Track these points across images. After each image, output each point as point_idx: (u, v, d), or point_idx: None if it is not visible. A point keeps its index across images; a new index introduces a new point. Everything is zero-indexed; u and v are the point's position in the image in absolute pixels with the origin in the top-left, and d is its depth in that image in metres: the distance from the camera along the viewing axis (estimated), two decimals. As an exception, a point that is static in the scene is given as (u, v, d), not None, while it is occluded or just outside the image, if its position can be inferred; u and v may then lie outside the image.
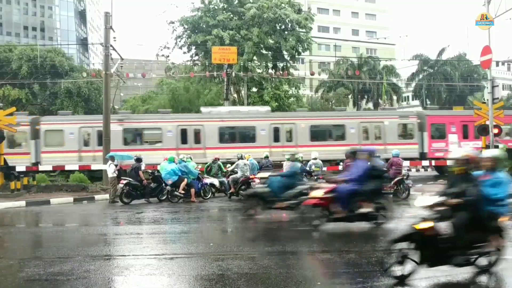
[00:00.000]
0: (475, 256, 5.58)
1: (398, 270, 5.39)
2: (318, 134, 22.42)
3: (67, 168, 20.09)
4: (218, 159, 17.28)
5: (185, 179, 14.66)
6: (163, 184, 14.91)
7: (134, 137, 21.85)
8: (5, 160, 17.75)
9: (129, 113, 24.91)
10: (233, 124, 22.23)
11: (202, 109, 24.19)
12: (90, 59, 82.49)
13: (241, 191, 15.16)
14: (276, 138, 21.83)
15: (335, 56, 45.46)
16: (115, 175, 15.34)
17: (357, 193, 8.67)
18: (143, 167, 16.01)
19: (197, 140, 21.53)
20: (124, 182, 14.62)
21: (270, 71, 32.69)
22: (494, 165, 5.70)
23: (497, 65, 38.66)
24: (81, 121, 22.11)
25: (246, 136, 22.09)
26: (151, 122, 22.18)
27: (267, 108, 24.97)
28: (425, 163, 21.98)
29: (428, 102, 48.36)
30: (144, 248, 8.10)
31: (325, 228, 8.97)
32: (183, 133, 21.50)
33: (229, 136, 22.21)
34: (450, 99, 45.77)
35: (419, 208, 5.51)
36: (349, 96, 44.56)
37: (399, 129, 22.58)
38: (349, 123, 22.37)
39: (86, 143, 21.10)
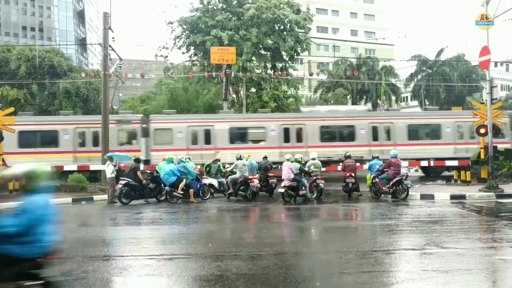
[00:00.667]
0: None
1: None
2: (416, 133, 22.63)
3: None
4: (219, 159, 17.25)
5: (184, 180, 14.65)
6: (162, 185, 14.90)
7: (239, 135, 22.13)
8: (3, 160, 17.69)
9: (232, 112, 25.96)
10: (334, 123, 22.53)
11: (302, 108, 24.84)
12: (89, 60, 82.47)
13: (240, 192, 15.17)
14: (375, 137, 22.03)
15: (334, 57, 45.49)
16: (113, 175, 15.32)
17: None
18: (141, 168, 15.99)
19: (299, 138, 21.94)
20: (123, 182, 14.60)
21: (269, 71, 32.67)
22: (28, 185, 3.91)
23: (496, 65, 38.61)
24: (189, 120, 22.62)
25: (346, 135, 22.48)
26: (255, 121, 22.53)
27: (365, 107, 25.32)
28: (424, 163, 21.97)
29: (427, 103, 48.42)
30: (142, 248, 8.09)
31: None
32: (286, 132, 21.92)
33: (330, 135, 22.49)
34: (449, 99, 45.83)
35: None
36: (348, 97, 44.61)
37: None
38: (445, 123, 22.50)
39: (194, 142, 21.51)
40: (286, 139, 21.78)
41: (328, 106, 27.26)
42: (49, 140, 20.72)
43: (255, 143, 21.56)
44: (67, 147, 20.66)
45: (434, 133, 22.83)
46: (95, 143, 20.54)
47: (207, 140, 21.36)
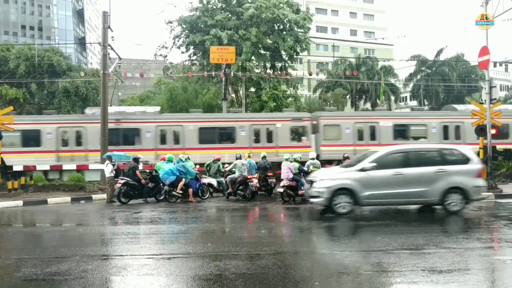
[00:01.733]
0: None
1: None
2: None
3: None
4: (219, 159, 17.20)
5: (183, 179, 14.65)
6: (161, 184, 14.90)
7: (402, 132, 22.76)
8: (2, 160, 17.67)
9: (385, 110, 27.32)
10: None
11: (457, 106, 25.28)
12: (88, 59, 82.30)
13: (239, 191, 15.17)
14: None
15: (333, 57, 45.48)
16: (112, 174, 15.31)
17: None
18: (140, 167, 15.98)
19: (458, 136, 22.51)
20: (122, 182, 14.60)
21: (268, 71, 32.67)
22: None
23: (495, 65, 38.67)
24: (356, 117, 23.63)
25: (501, 132, 22.32)
26: (418, 119, 23.20)
27: None
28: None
29: (426, 103, 48.46)
30: (141, 248, 8.08)
31: None
32: (445, 129, 22.56)
33: (485, 132, 22.51)
34: (448, 99, 45.83)
35: None
36: (347, 97, 44.63)
37: None
38: None
39: (360, 138, 22.25)
40: (445, 136, 22.44)
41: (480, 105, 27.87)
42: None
43: (415, 140, 22.38)
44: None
45: None
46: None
47: (372, 136, 22.21)
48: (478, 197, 11.26)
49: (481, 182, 11.34)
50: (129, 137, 21.45)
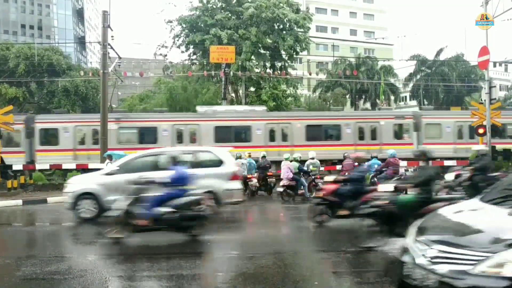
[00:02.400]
0: None
1: None
2: None
3: None
4: None
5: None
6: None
7: (500, 132, 22.81)
8: (1, 159, 17.66)
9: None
10: None
11: None
12: (88, 58, 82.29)
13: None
14: None
15: (333, 56, 45.46)
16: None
17: None
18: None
19: None
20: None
21: (268, 70, 32.66)
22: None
23: (495, 65, 38.65)
24: (457, 116, 23.65)
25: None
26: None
27: None
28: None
29: (426, 103, 48.47)
30: (141, 247, 8.08)
31: None
32: None
33: None
34: (448, 99, 45.88)
35: None
36: (347, 96, 44.62)
37: None
38: None
39: (459, 136, 22.75)
40: None
41: None
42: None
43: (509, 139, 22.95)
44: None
45: None
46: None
47: (471, 135, 22.17)
48: (230, 200, 10.83)
49: (234, 185, 10.91)
50: (240, 134, 22.06)
